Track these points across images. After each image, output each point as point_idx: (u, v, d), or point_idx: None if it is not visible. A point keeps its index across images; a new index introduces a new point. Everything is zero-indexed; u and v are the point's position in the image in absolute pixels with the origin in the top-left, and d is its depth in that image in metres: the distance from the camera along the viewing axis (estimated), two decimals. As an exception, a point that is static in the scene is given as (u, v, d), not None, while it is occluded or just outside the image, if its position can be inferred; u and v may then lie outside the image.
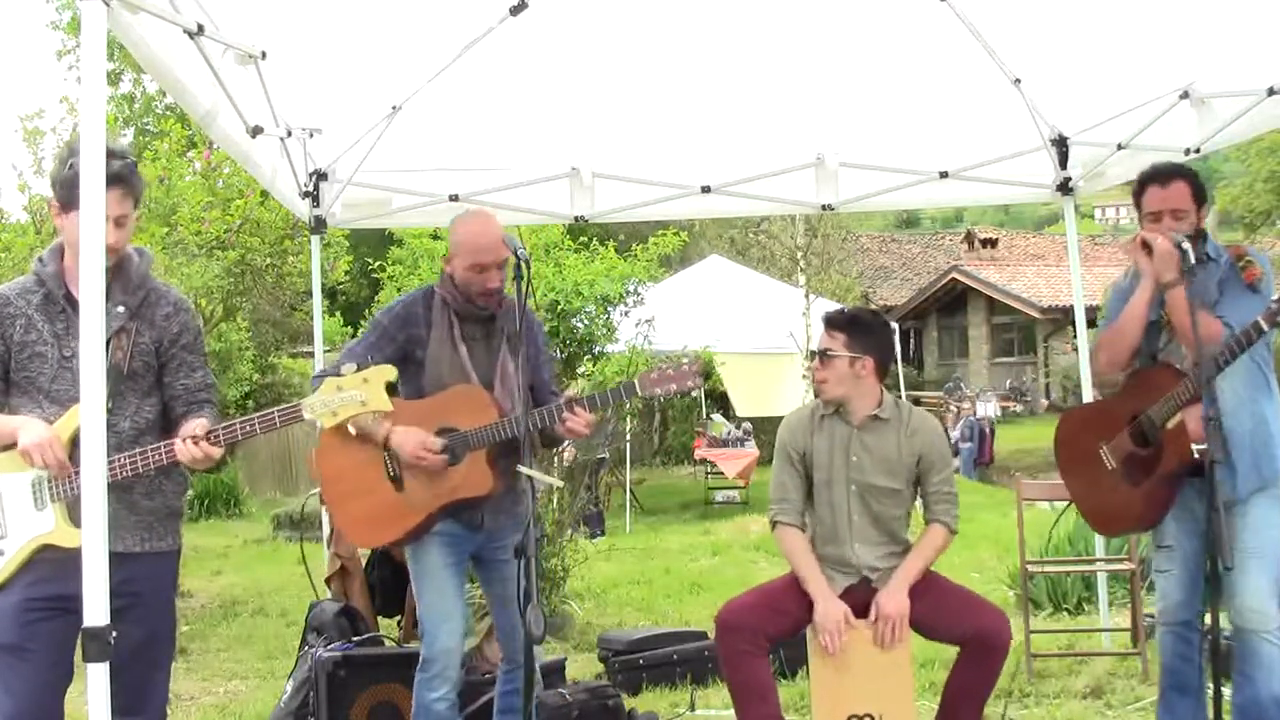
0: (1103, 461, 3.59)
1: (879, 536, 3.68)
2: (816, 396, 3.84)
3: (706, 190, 5.55)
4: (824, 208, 5.72)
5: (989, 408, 20.63)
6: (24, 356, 2.90)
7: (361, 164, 5.08)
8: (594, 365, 9.04)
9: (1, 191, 33.94)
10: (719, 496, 14.67)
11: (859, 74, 4.76)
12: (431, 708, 3.45)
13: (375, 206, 5.60)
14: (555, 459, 7.68)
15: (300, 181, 5.22)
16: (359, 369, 2.88)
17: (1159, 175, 3.49)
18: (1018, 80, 4.70)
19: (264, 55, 4.07)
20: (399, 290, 8.16)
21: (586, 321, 9.04)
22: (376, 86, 4.69)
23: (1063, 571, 6.20)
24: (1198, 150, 4.70)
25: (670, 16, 4.40)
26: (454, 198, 5.38)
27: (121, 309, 2.92)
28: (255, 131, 4.39)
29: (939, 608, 3.58)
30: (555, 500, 6.63)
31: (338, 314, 20.55)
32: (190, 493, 5.92)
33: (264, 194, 8.35)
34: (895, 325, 18.77)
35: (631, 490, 13.58)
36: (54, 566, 2.75)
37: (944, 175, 5.47)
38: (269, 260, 9.24)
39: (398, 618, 4.89)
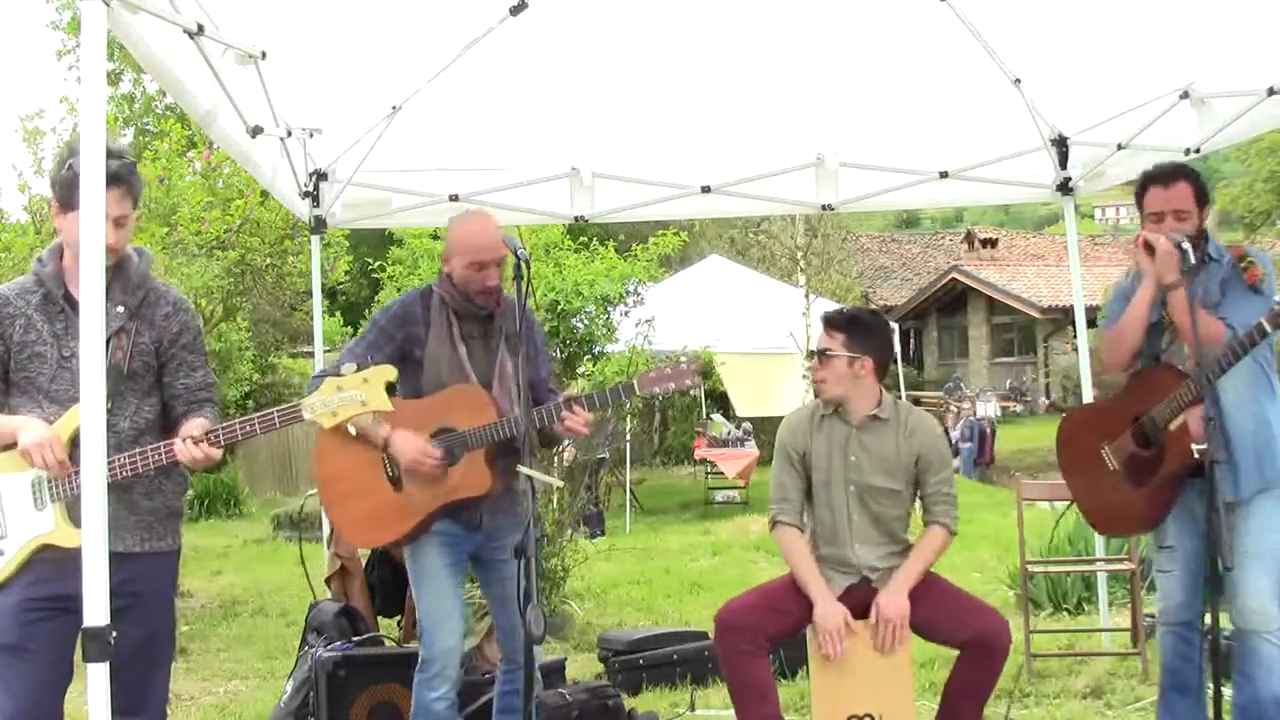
0: (1105, 462, 3.59)
1: (879, 537, 3.68)
2: (816, 396, 3.85)
3: (706, 190, 5.55)
4: (824, 208, 5.72)
5: (989, 408, 20.63)
6: (23, 356, 2.90)
7: (361, 164, 5.08)
8: (594, 365, 9.06)
9: (1, 191, 33.97)
10: (719, 496, 14.67)
11: (859, 74, 4.76)
12: (431, 707, 3.45)
13: (375, 206, 5.60)
14: (555, 459, 7.68)
15: (300, 181, 5.22)
16: (359, 369, 2.88)
17: (1161, 175, 3.48)
18: (1018, 80, 4.70)
19: (264, 55, 4.07)
20: (399, 290, 8.16)
21: (586, 321, 9.05)
22: (376, 86, 4.69)
23: (1063, 571, 6.20)
24: (1198, 150, 4.70)
25: (670, 16, 4.40)
26: (454, 198, 5.38)
27: (121, 309, 2.92)
28: (255, 131, 4.39)
29: (939, 610, 3.57)
30: (555, 500, 6.63)
31: (338, 314, 20.56)
32: (190, 493, 5.92)
33: (264, 194, 8.35)
34: (895, 325, 18.80)
35: (631, 490, 13.58)
36: (54, 566, 2.75)
37: (944, 175, 5.47)
38: (269, 260, 9.24)
39: (398, 618, 4.89)
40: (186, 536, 3.29)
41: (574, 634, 6.47)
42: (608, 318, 9.31)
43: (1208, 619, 3.24)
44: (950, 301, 30.76)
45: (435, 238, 8.56)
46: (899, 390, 18.13)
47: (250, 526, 13.09)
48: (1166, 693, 3.56)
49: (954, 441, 17.86)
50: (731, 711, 3.64)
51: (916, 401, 19.73)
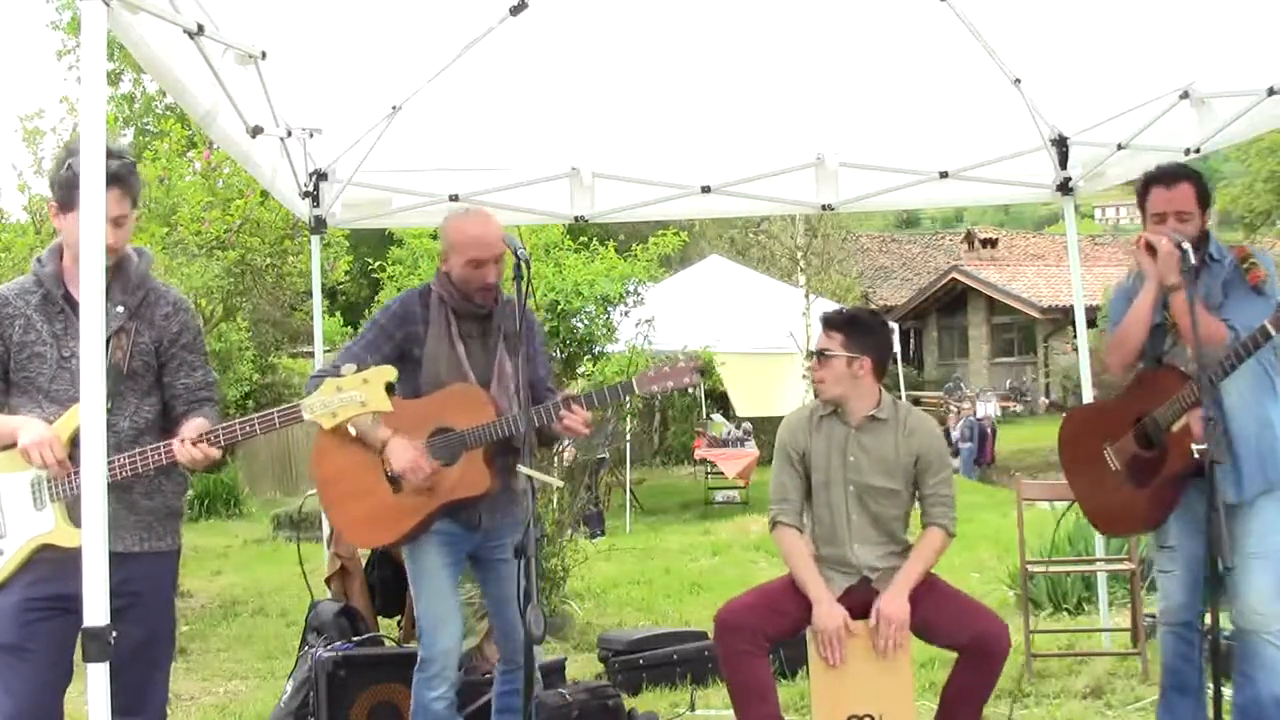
0: (1107, 462, 3.59)
1: (878, 537, 3.68)
2: (816, 397, 3.85)
3: (706, 190, 5.55)
4: (824, 208, 5.72)
5: (989, 408, 20.63)
6: (23, 357, 2.90)
7: (361, 164, 5.08)
8: (594, 365, 9.05)
9: (1, 191, 33.97)
10: (719, 496, 14.67)
11: (859, 74, 4.76)
12: (430, 707, 3.45)
13: (375, 206, 5.60)
14: (555, 459, 7.68)
15: (300, 181, 5.22)
16: (359, 370, 2.88)
17: (1164, 176, 3.47)
18: (1018, 80, 4.70)
19: (264, 55, 4.07)
20: (399, 290, 8.16)
21: (586, 321, 9.03)
22: (376, 86, 4.69)
23: (1063, 571, 6.20)
24: (1198, 150, 4.70)
25: (670, 17, 4.40)
26: (454, 198, 5.38)
27: (121, 309, 2.93)
28: (255, 131, 4.39)
29: (938, 613, 3.57)
30: (555, 500, 6.63)
31: (338, 314, 20.56)
32: (190, 493, 5.92)
33: (264, 194, 8.35)
34: (895, 325, 18.83)
35: (631, 490, 13.58)
36: (53, 566, 2.75)
37: (944, 175, 5.47)
38: (269, 260, 9.24)
39: (398, 618, 4.89)
40: (186, 536, 3.29)
41: (574, 634, 6.47)
42: (608, 318, 9.30)
43: (1208, 619, 3.24)
44: (950, 301, 30.76)
45: (435, 238, 8.52)
46: (899, 390, 18.14)
47: (250, 526, 13.09)
48: (1167, 693, 3.56)
49: (954, 441, 17.87)
50: (731, 711, 3.64)
51: (916, 402, 19.75)
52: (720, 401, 18.11)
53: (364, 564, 4.87)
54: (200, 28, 3.46)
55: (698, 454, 16.18)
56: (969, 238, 33.26)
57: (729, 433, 15.79)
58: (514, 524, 3.53)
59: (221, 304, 9.60)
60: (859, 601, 3.59)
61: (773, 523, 3.77)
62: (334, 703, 4.16)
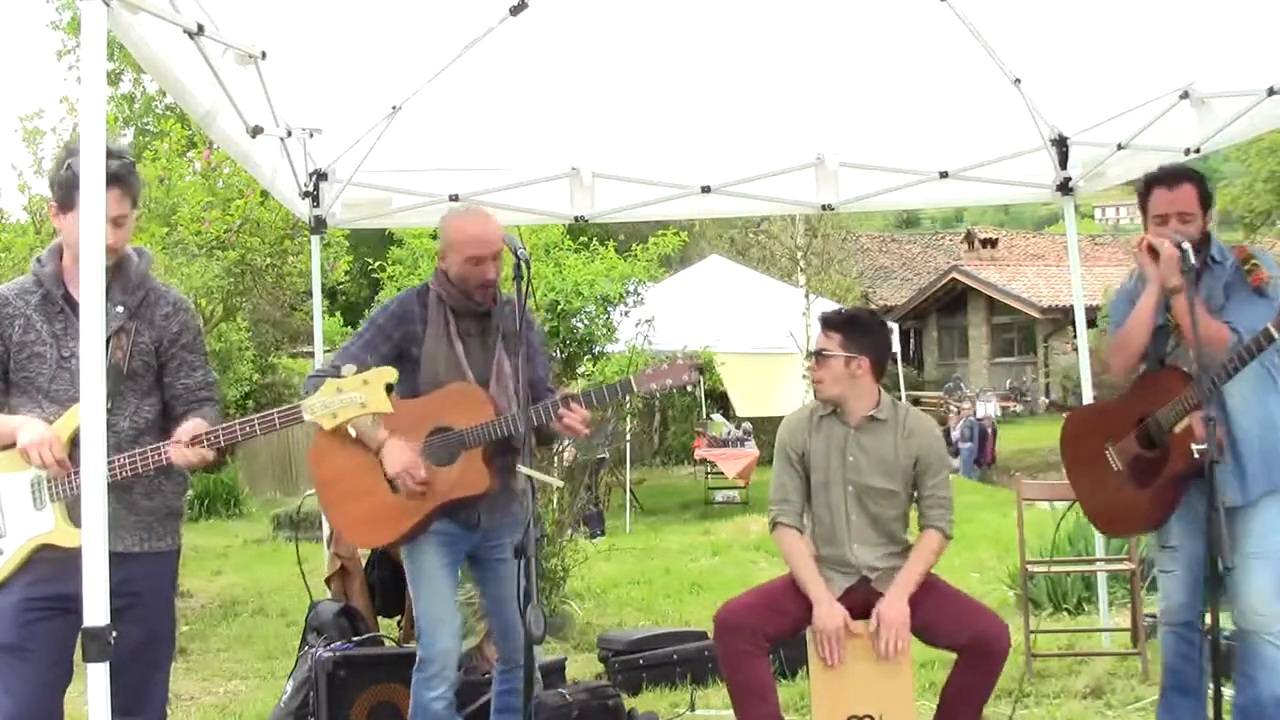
0: (1108, 462, 3.59)
1: (877, 537, 3.68)
2: (815, 397, 3.85)
3: (706, 190, 5.55)
4: (824, 208, 5.72)
5: (989, 408, 20.63)
6: (23, 357, 2.90)
7: (361, 164, 5.08)
8: (594, 365, 9.06)
9: (1, 191, 33.95)
10: (719, 496, 14.66)
11: (859, 74, 4.76)
12: (429, 707, 3.45)
13: (375, 206, 5.60)
14: (555, 459, 7.68)
15: (300, 181, 5.22)
16: (359, 371, 2.88)
17: (1166, 177, 3.47)
18: (1018, 80, 4.70)
19: (264, 55, 4.07)
20: (399, 290, 8.16)
21: (586, 321, 9.04)
22: (376, 86, 4.69)
23: (1063, 571, 6.19)
24: (1198, 150, 4.70)
25: (670, 17, 4.40)
26: (454, 198, 5.38)
27: (121, 309, 2.93)
28: (255, 131, 4.39)
29: (938, 613, 3.57)
30: (555, 500, 6.63)
31: (338, 314, 20.56)
32: (190, 493, 5.92)
33: (264, 194, 8.35)
34: (895, 325, 18.84)
35: (631, 490, 13.58)
36: (53, 566, 2.75)
37: (944, 175, 5.47)
38: (269, 260, 9.24)
39: (398, 618, 4.90)
40: (186, 536, 3.29)
41: (574, 634, 6.46)
42: (608, 318, 9.31)
43: (1208, 619, 3.24)
44: (950, 301, 30.76)
45: (435, 238, 8.53)
46: (899, 391, 18.14)
47: (250, 526, 13.09)
48: (1167, 693, 3.56)
49: (954, 441, 17.87)
50: (731, 711, 3.64)
51: (916, 402, 19.76)
52: (720, 401, 18.11)
53: (364, 564, 4.87)
54: (200, 28, 3.46)
55: (698, 454, 16.18)
56: (969, 238, 33.26)
57: (729, 433, 15.79)
58: (513, 524, 3.53)
59: (221, 304, 9.60)
60: (859, 601, 3.59)
61: (773, 523, 3.77)
62: (334, 703, 4.16)
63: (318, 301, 5.69)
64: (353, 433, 3.24)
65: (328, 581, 4.90)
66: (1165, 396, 3.40)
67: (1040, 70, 4.66)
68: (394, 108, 4.77)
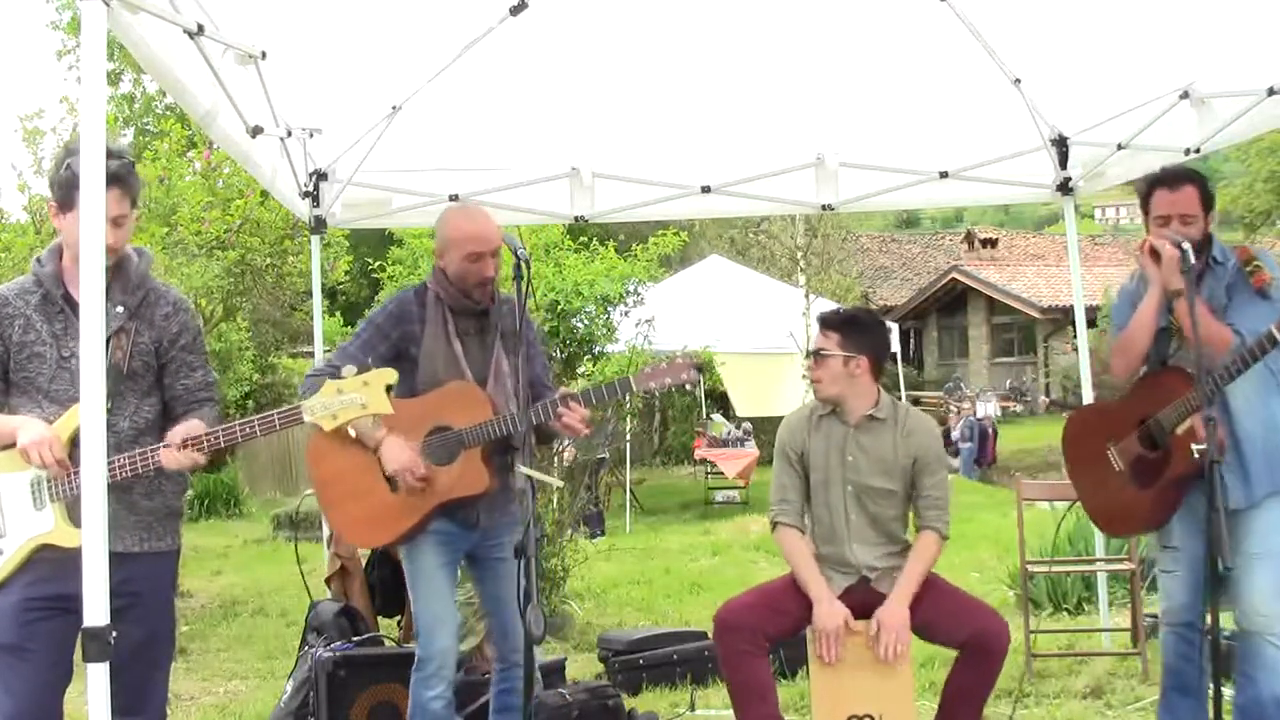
0: (1110, 462, 3.59)
1: (877, 537, 3.68)
2: (815, 396, 3.85)
3: (706, 190, 5.55)
4: (824, 208, 5.72)
5: (989, 408, 20.63)
6: (23, 357, 2.90)
7: (361, 164, 5.08)
8: (594, 365, 9.06)
9: (1, 191, 33.95)
10: (719, 496, 14.67)
11: (859, 74, 4.76)
12: (428, 706, 3.45)
13: (375, 206, 5.60)
14: (555, 459, 7.68)
15: (300, 181, 5.22)
16: (359, 372, 2.88)
17: (1167, 179, 3.46)
18: (1018, 80, 4.70)
19: (264, 55, 4.07)
20: (399, 290, 8.17)
21: (586, 321, 9.05)
22: (376, 86, 4.69)
23: (1063, 571, 6.19)
24: (1198, 150, 4.70)
25: (670, 17, 4.40)
26: (454, 198, 5.38)
27: (121, 309, 2.93)
28: (255, 131, 4.39)
29: (938, 611, 3.57)
30: (555, 500, 6.63)
31: (338, 314, 20.56)
32: (190, 493, 5.91)
33: (264, 194, 8.35)
34: (895, 325, 18.84)
35: (631, 490, 13.58)
36: (53, 566, 2.75)
37: (944, 175, 5.47)
38: (269, 260, 9.24)
39: (398, 618, 4.90)
40: (186, 536, 3.28)
41: (574, 634, 6.46)
42: (608, 318, 9.31)
43: (1209, 619, 3.24)
44: (950, 301, 30.76)
45: (434, 237, 8.55)
46: (899, 390, 18.14)
47: (250, 526, 13.10)
48: (1168, 693, 3.56)
49: (954, 441, 17.87)
50: (731, 712, 3.64)
51: (916, 402, 19.76)
52: (720, 401, 18.11)
53: (364, 564, 4.87)
54: (200, 28, 3.46)
55: (698, 454, 16.19)
56: (969, 238, 33.26)
57: (729, 433, 15.79)
58: (511, 523, 3.53)
59: (221, 304, 9.60)
60: (858, 601, 3.59)
61: (773, 523, 3.77)
62: (334, 703, 4.16)
63: (318, 301, 5.69)
64: (353, 433, 3.24)
65: (328, 581, 4.90)
66: (1167, 397, 3.40)
67: (1040, 70, 4.66)
68: (394, 108, 4.77)
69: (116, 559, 2.55)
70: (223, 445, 2.88)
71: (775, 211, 11.82)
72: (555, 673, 4.70)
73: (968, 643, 3.52)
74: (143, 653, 2.86)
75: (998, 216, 42.07)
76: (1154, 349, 3.48)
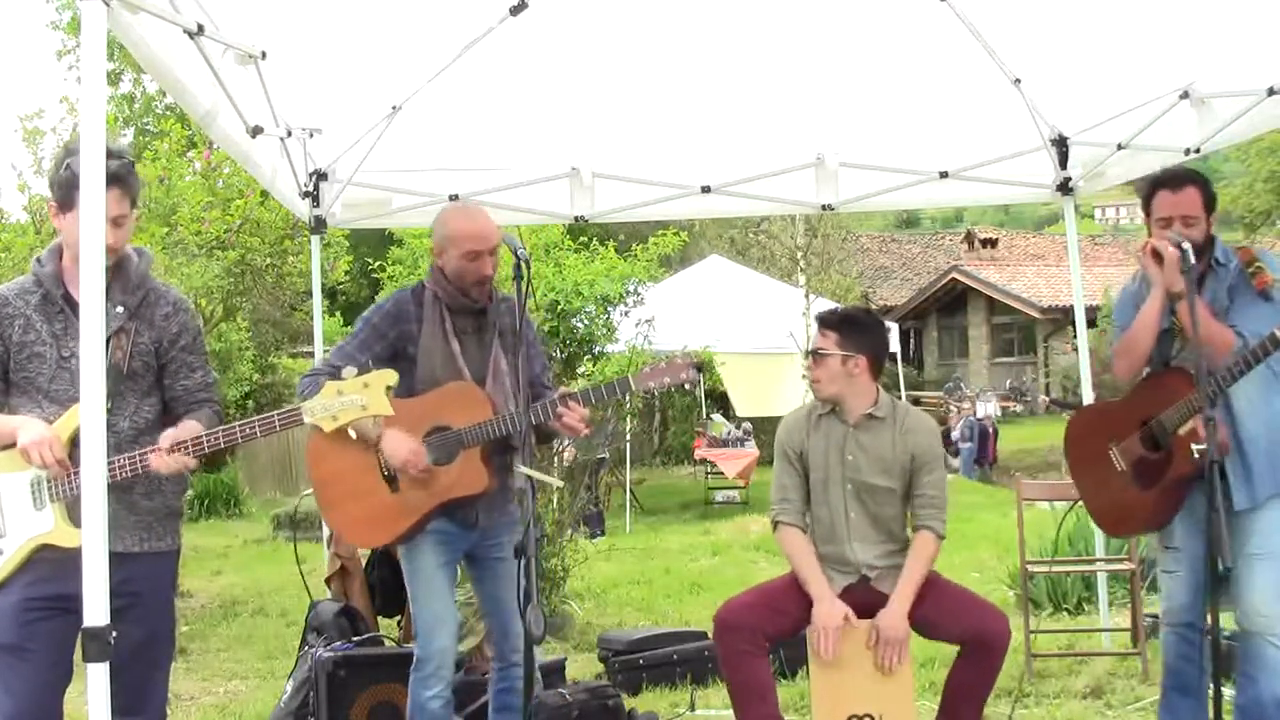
0: (1113, 463, 3.58)
1: (877, 535, 3.68)
2: (814, 396, 3.85)
3: (706, 190, 5.55)
4: (824, 208, 5.72)
5: (989, 408, 20.64)
6: (23, 357, 2.90)
7: (361, 164, 5.08)
8: (594, 365, 9.05)
9: (1, 191, 33.96)
10: (719, 496, 14.67)
11: (859, 74, 4.76)
12: (427, 706, 3.45)
13: (375, 206, 5.60)
14: (555, 459, 7.68)
15: (300, 181, 5.22)
16: (359, 373, 2.88)
17: (1170, 180, 3.46)
18: (1018, 80, 4.70)
19: (264, 55, 4.07)
20: (399, 290, 8.15)
21: (586, 321, 9.04)
22: (376, 86, 4.69)
23: (1063, 571, 6.20)
24: (1198, 150, 4.70)
25: (670, 17, 4.40)
26: (454, 198, 5.37)
27: (121, 309, 2.92)
28: (255, 131, 4.39)
29: (938, 607, 3.57)
30: (555, 500, 6.63)
31: (338, 314, 20.54)
32: (190, 493, 5.91)
33: (264, 194, 8.36)
34: (895, 325, 18.85)
35: (631, 490, 13.59)
36: (53, 566, 2.75)
37: (944, 175, 5.47)
38: (269, 260, 9.24)
39: (398, 618, 4.89)
40: (186, 536, 3.28)
41: (574, 634, 6.47)
42: (608, 318, 9.31)
43: (1209, 619, 3.24)
44: (950, 301, 30.76)
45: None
46: (899, 391, 18.14)
47: (250, 526, 13.10)
48: (1168, 693, 3.56)
49: (954, 441, 17.87)
50: (731, 712, 3.64)
51: (916, 402, 19.76)
52: (720, 401, 18.11)
53: (364, 564, 4.87)
54: (200, 28, 3.46)
55: (698, 454, 16.19)
56: (969, 238, 33.26)
57: (729, 433, 15.80)
58: (510, 523, 3.53)
59: (221, 304, 9.61)
60: (858, 600, 3.59)
61: (775, 522, 3.77)
62: (334, 703, 4.16)
63: (318, 301, 5.69)
64: (353, 434, 3.24)
65: (328, 581, 4.90)
66: (1169, 398, 3.39)
67: (1040, 70, 4.66)
68: (394, 108, 4.77)
69: (116, 559, 2.54)
70: (206, 450, 2.87)
71: (775, 211, 11.82)
72: (555, 673, 4.70)
73: (968, 639, 3.52)
74: (143, 653, 2.86)
75: (998, 216, 42.08)
76: (1156, 350, 3.47)
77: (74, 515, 2.69)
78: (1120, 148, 5.00)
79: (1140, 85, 4.66)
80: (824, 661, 3.51)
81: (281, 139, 4.86)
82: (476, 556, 3.60)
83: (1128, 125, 4.90)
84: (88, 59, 2.56)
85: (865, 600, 3.58)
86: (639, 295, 9.92)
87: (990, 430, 18.60)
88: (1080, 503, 3.84)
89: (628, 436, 13.28)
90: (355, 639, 4.44)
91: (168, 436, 2.85)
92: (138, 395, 2.97)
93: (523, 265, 3.19)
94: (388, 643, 4.65)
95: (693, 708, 4.86)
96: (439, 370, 3.47)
